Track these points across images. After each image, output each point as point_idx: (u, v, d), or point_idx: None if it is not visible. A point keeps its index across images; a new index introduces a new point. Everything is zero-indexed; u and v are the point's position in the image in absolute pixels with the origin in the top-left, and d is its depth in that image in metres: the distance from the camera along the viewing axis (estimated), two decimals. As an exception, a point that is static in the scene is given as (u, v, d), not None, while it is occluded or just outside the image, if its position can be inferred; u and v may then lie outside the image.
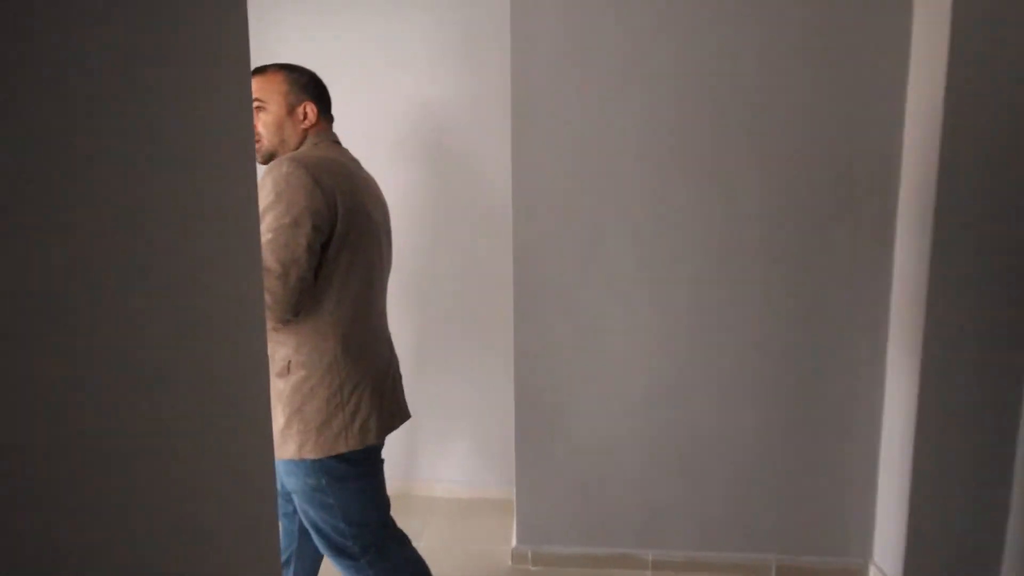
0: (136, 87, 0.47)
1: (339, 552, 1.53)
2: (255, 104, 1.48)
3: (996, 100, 1.77)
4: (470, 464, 2.79)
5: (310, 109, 1.53)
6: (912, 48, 1.92)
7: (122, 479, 0.46)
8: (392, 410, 1.57)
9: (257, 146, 1.50)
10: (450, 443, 2.79)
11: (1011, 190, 1.80)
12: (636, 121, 2.02)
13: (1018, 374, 1.84)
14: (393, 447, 2.30)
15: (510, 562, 2.30)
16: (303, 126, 1.53)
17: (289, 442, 1.44)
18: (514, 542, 2.31)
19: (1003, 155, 1.79)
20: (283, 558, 1.74)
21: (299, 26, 2.59)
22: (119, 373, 0.45)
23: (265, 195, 1.36)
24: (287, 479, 1.50)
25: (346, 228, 1.42)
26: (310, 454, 1.44)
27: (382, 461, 1.60)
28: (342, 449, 1.45)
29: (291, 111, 1.52)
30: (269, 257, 1.34)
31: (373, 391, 1.50)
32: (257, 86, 1.50)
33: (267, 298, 1.34)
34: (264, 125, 1.52)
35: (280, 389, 1.45)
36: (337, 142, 1.59)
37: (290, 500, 1.65)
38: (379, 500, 1.58)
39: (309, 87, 1.55)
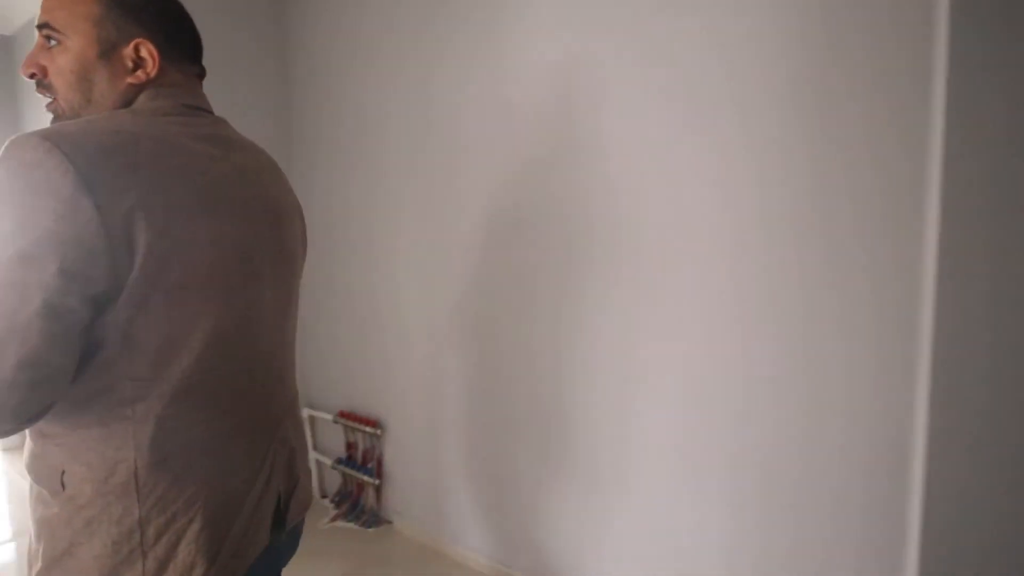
0: None
1: None
2: (44, 34, 0.88)
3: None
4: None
5: (146, 50, 0.89)
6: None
7: None
8: (245, 546, 0.91)
9: (49, 108, 0.91)
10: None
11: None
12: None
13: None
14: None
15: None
16: (131, 79, 0.89)
17: None
18: None
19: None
20: None
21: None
22: None
23: None
24: None
25: (158, 266, 0.77)
26: None
27: None
28: None
29: (108, 52, 0.88)
30: None
31: (209, 525, 0.86)
32: (49, 5, 0.88)
33: None
34: (58, 72, 0.88)
35: (45, 516, 0.83)
36: (197, 107, 0.94)
37: None
38: None
39: (145, 13, 0.89)
